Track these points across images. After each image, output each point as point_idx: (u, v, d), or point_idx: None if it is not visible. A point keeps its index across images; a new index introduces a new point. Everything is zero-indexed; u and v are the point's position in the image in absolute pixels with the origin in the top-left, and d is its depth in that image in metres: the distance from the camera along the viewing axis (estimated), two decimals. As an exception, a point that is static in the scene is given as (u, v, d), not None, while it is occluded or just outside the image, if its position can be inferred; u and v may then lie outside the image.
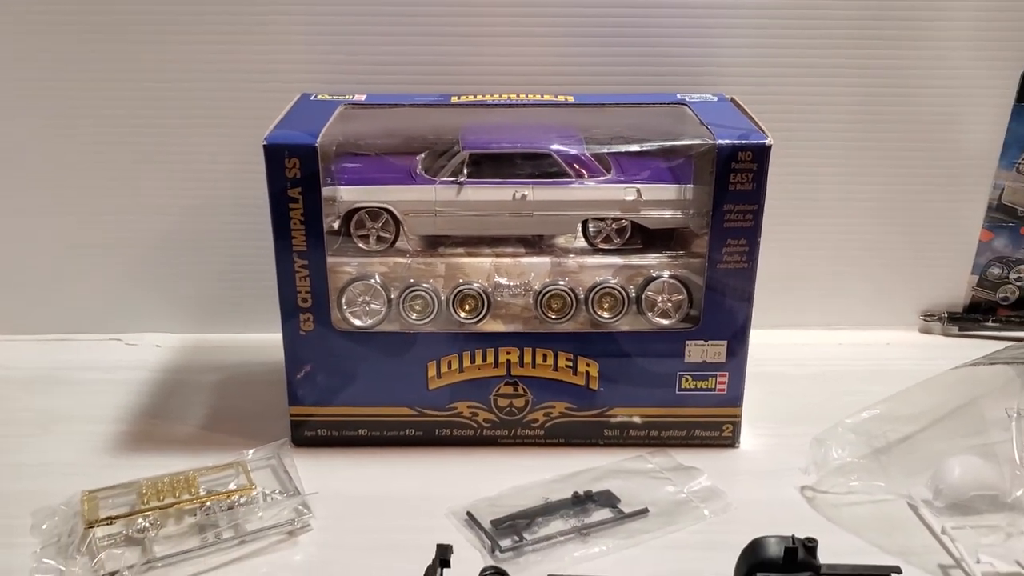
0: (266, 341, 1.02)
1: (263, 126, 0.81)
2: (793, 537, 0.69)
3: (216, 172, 1.02)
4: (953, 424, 0.82)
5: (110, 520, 0.75)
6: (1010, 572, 0.70)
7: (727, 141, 0.79)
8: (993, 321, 1.10)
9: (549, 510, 0.79)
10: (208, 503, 0.78)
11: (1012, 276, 1.10)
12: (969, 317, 1.11)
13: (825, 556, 0.69)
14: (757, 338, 0.88)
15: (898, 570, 0.71)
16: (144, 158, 1.02)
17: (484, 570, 0.70)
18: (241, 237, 1.05)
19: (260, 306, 1.04)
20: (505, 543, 0.75)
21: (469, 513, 0.79)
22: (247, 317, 1.08)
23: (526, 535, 0.76)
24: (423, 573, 0.67)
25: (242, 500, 0.78)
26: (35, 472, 0.86)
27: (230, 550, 0.75)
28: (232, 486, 0.80)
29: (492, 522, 0.77)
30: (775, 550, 0.69)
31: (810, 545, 0.69)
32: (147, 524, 0.76)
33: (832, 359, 1.06)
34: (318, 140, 0.79)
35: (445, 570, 0.67)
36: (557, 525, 0.78)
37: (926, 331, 1.11)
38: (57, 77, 0.98)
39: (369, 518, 0.79)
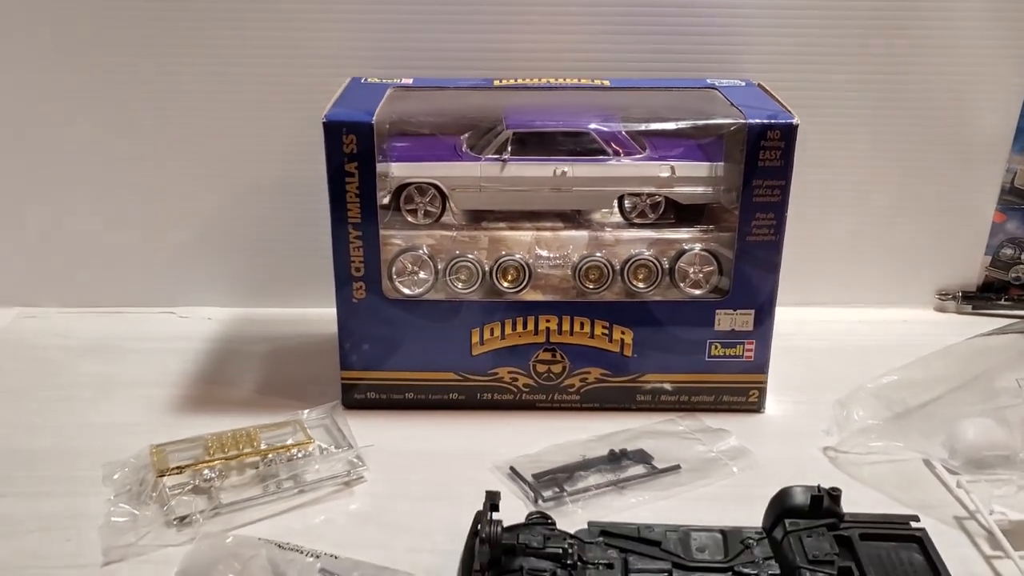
0: (311, 315, 1.09)
1: (314, 110, 0.85)
2: (819, 486, 0.74)
3: (269, 152, 1.07)
4: (967, 389, 0.86)
5: (179, 469, 0.80)
6: (1021, 519, 0.75)
7: (757, 121, 0.84)
8: (1005, 300, 1.14)
9: (587, 466, 0.84)
10: (269, 456, 0.83)
11: (1024, 257, 1.15)
12: (982, 296, 1.15)
13: (847, 508, 0.74)
14: (781, 315, 0.93)
15: (916, 518, 0.75)
16: (199, 140, 1.07)
17: (530, 514, 0.75)
18: (289, 216, 1.10)
19: (305, 282, 1.10)
20: (547, 494, 0.80)
21: (512, 468, 0.84)
22: (293, 292, 1.13)
23: (566, 487, 0.81)
24: (473, 517, 0.72)
25: (300, 454, 0.83)
26: (101, 431, 0.90)
27: (290, 498, 0.80)
28: (290, 441, 0.85)
29: (534, 475, 0.82)
30: (802, 498, 0.74)
31: (835, 494, 0.74)
32: (213, 474, 0.81)
33: (852, 334, 1.10)
34: (374, 118, 0.84)
35: (494, 514, 0.72)
36: (595, 479, 0.83)
37: (941, 309, 1.16)
38: (118, 61, 1.03)
39: (418, 472, 0.84)
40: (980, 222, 1.12)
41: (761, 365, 0.92)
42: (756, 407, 0.94)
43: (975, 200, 1.11)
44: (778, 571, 0.71)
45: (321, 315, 0.97)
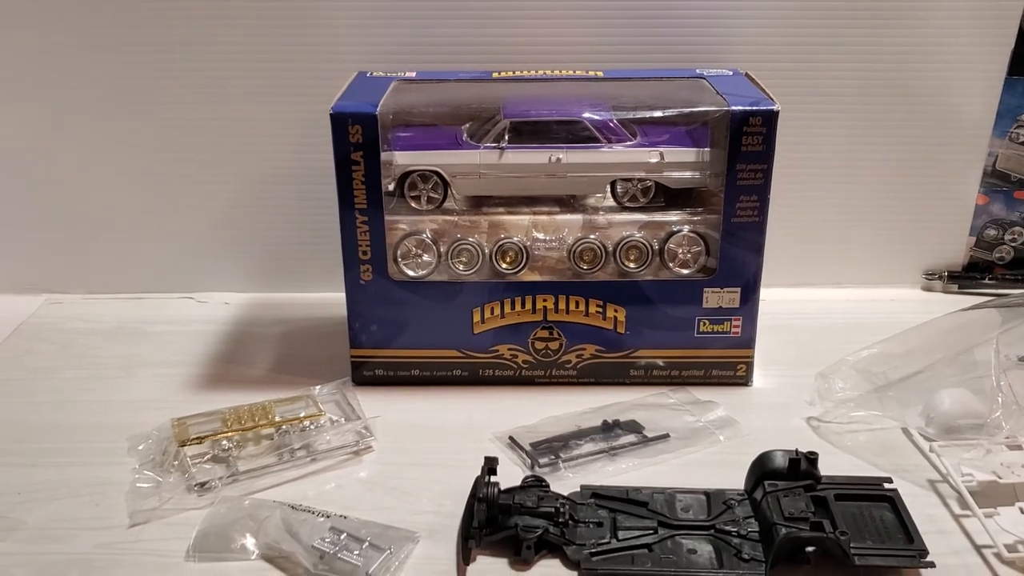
0: (322, 299, 1.14)
1: (323, 103, 0.90)
2: (797, 450, 0.79)
3: (280, 144, 1.12)
4: (945, 360, 0.91)
5: (199, 440, 0.86)
6: (987, 480, 0.79)
7: (740, 108, 0.88)
8: (990, 279, 1.18)
9: (581, 435, 0.89)
10: (283, 427, 0.88)
11: (1007, 237, 1.18)
12: (968, 275, 1.18)
13: (827, 473, 0.79)
14: (771, 295, 0.97)
15: (889, 480, 0.80)
16: (215, 133, 1.12)
17: (526, 477, 0.80)
18: (301, 204, 1.15)
19: (317, 267, 1.15)
20: (543, 460, 0.85)
21: (511, 437, 0.89)
22: (306, 277, 1.18)
23: (561, 454, 0.86)
24: (474, 481, 0.77)
25: (312, 425, 0.89)
26: (125, 407, 0.96)
27: (303, 466, 0.86)
28: (303, 414, 0.90)
29: (531, 444, 0.87)
30: (781, 461, 0.78)
31: (812, 457, 0.79)
32: (231, 444, 0.86)
33: (840, 313, 1.14)
34: (378, 109, 0.89)
35: (492, 477, 0.77)
36: (588, 447, 0.88)
37: (928, 289, 1.19)
38: (138, 59, 1.08)
39: (423, 442, 0.90)
40: (964, 204, 1.16)
41: (748, 340, 0.96)
42: (744, 380, 0.98)
43: (959, 183, 1.15)
44: (757, 528, 0.76)
45: (332, 299, 1.02)
